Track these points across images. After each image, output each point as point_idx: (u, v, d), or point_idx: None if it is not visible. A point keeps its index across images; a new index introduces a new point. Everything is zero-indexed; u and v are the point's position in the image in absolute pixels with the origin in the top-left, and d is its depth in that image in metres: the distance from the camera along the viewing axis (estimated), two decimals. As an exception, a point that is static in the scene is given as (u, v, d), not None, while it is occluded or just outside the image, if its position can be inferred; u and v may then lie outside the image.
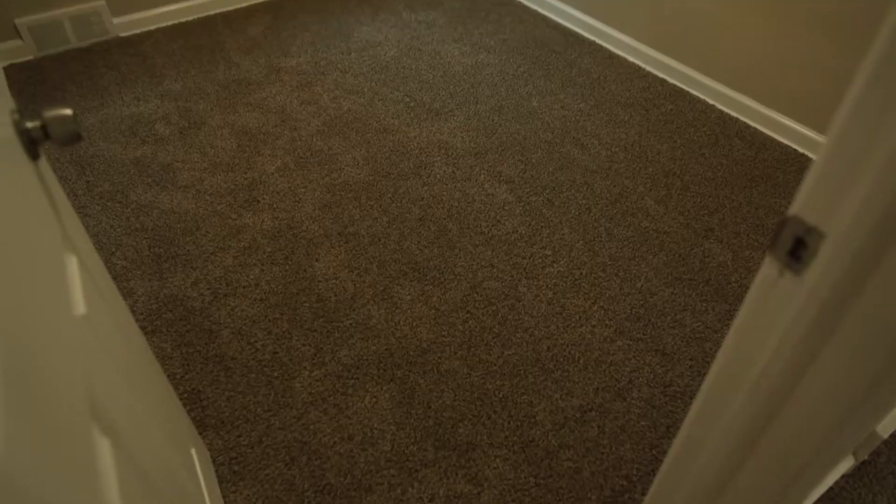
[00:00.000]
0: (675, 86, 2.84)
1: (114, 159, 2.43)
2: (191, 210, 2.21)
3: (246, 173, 2.37)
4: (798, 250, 0.60)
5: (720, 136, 2.55)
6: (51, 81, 2.89)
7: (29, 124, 0.77)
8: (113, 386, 0.74)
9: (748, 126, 2.60)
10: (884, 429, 1.40)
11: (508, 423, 1.62)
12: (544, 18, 3.36)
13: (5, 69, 2.97)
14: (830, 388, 0.65)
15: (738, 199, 2.25)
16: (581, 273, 1.99)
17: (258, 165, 2.40)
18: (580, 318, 1.86)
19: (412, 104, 2.72)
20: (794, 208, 0.60)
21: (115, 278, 1.98)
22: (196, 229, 2.14)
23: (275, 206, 2.23)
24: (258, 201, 2.25)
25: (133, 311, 1.87)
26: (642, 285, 1.96)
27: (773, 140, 2.52)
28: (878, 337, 0.58)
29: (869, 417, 0.67)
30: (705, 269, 2.01)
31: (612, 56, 3.05)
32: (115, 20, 3.20)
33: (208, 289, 1.94)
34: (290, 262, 2.03)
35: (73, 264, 0.78)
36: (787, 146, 2.49)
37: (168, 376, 1.71)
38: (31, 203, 0.68)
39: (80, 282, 0.77)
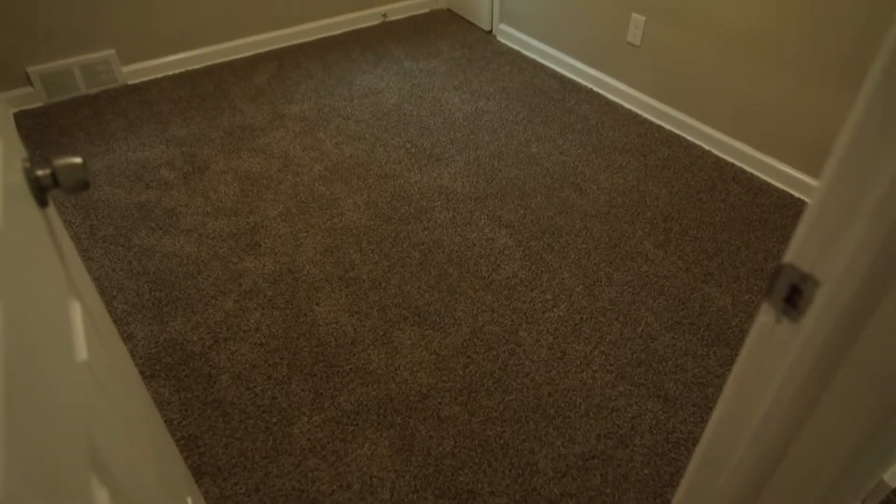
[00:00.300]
0: (671, 132, 2.89)
1: (118, 204, 2.46)
2: (193, 254, 2.23)
3: (248, 218, 2.39)
4: (794, 297, 0.61)
5: (717, 182, 2.58)
6: (59, 127, 2.95)
7: (39, 172, 0.78)
8: (112, 434, 0.74)
9: (744, 171, 2.63)
10: (892, 478, 1.38)
11: (509, 470, 1.59)
12: (542, 67, 3.44)
13: (16, 115, 3.03)
14: (832, 436, 0.65)
15: (736, 244, 2.27)
16: (581, 318, 1.99)
17: (260, 210, 2.43)
18: (581, 363, 1.85)
19: (413, 150, 2.77)
20: (789, 256, 0.61)
21: (115, 322, 1.98)
22: (197, 273, 2.15)
23: (276, 250, 2.24)
24: (260, 245, 2.26)
25: (132, 356, 1.87)
26: (643, 330, 1.95)
27: (769, 185, 2.55)
28: (877, 384, 0.58)
29: (875, 465, 0.67)
30: (705, 313, 2.01)
31: (609, 103, 3.11)
32: (124, 68, 3.28)
33: (208, 333, 1.94)
34: (290, 307, 2.03)
35: (76, 310, 0.78)
36: (783, 191, 2.52)
37: (165, 422, 1.69)
38: (39, 250, 0.69)
39: (82, 327, 0.77)
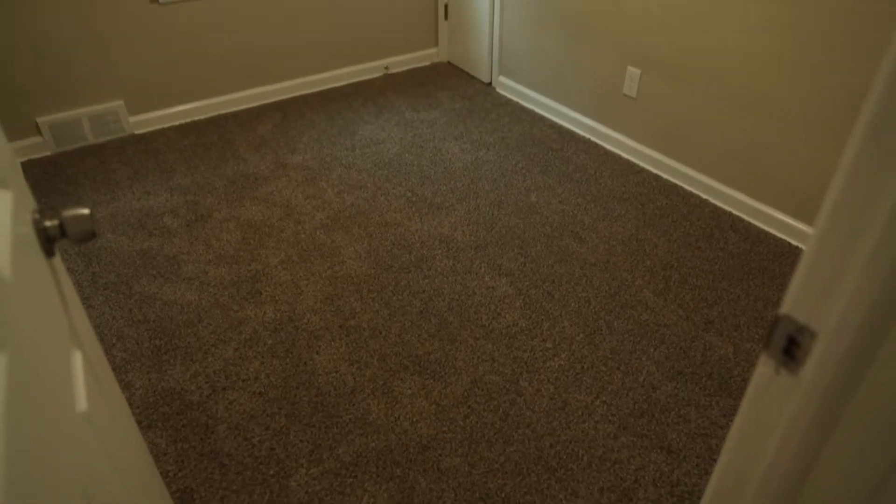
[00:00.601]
0: (668, 181, 2.93)
1: (121, 251, 2.48)
2: (193, 302, 2.23)
3: (250, 266, 2.40)
4: (792, 349, 0.61)
5: (715, 230, 2.60)
6: (66, 176, 2.99)
7: (47, 223, 0.80)
8: (107, 486, 0.73)
9: (741, 220, 2.66)
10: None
11: (511, 524, 1.56)
12: (541, 118, 3.52)
13: (24, 164, 3.08)
14: (837, 488, 0.64)
15: (736, 292, 2.27)
16: (582, 367, 1.98)
17: (262, 258, 2.44)
18: (583, 413, 1.83)
19: (414, 199, 2.80)
20: (785, 307, 0.61)
21: (114, 370, 1.97)
22: (198, 321, 2.15)
23: (277, 298, 2.25)
24: (261, 293, 2.27)
25: (130, 404, 1.85)
26: (644, 379, 1.94)
27: (767, 233, 2.58)
28: (881, 435, 0.58)
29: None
30: (707, 362, 2.00)
31: (606, 153, 3.17)
32: (132, 118, 3.35)
33: (207, 382, 1.93)
34: (290, 355, 2.02)
35: (77, 360, 0.79)
36: (781, 239, 2.54)
37: (161, 473, 1.66)
38: (44, 300, 0.70)
39: (83, 378, 0.77)
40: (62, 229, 0.81)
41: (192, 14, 3.28)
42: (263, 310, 2.20)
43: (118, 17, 3.09)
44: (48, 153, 3.19)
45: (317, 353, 2.03)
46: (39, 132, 3.14)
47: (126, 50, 3.18)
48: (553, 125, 3.44)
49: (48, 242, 0.81)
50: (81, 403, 0.72)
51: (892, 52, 0.48)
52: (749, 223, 2.64)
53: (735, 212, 2.71)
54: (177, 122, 3.49)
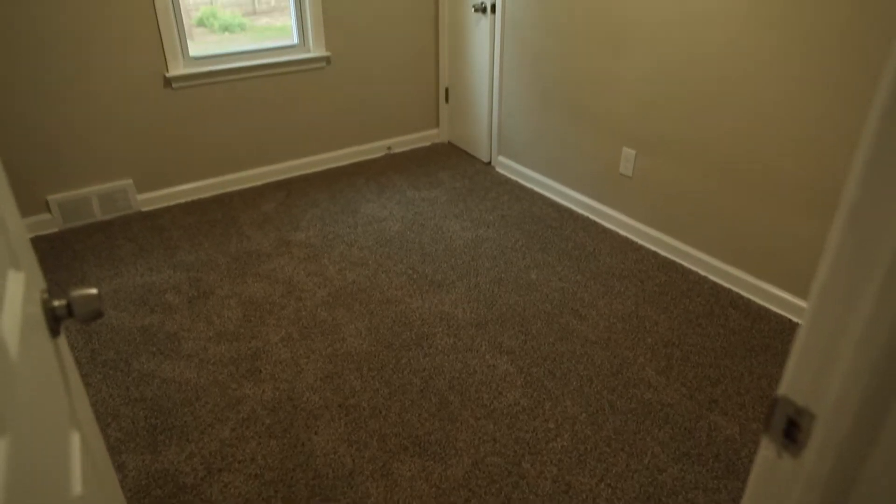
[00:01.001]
0: (666, 258, 2.96)
1: (121, 328, 2.48)
2: (192, 380, 2.21)
3: (250, 343, 2.40)
4: (793, 431, 0.61)
5: (715, 307, 2.61)
6: (72, 252, 3.03)
7: (56, 303, 0.81)
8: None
9: (741, 297, 2.67)
10: None
11: None
12: (540, 196, 3.59)
13: (31, 241, 3.12)
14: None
15: (739, 370, 2.25)
16: (585, 448, 1.94)
17: (262, 335, 2.44)
18: (587, 497, 1.78)
19: (415, 276, 2.82)
20: (783, 388, 0.62)
21: (108, 450, 1.92)
22: (196, 399, 2.12)
23: (276, 376, 2.23)
24: (260, 371, 2.25)
25: (122, 487, 1.80)
26: (649, 461, 1.89)
27: (767, 310, 2.58)
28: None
29: None
30: (713, 443, 1.96)
31: (605, 230, 3.22)
32: (140, 196, 3.43)
33: (202, 463, 1.88)
34: (288, 435, 1.98)
35: (76, 442, 0.78)
36: (782, 316, 2.54)
37: (150, 561, 1.60)
38: (48, 382, 0.70)
39: (80, 461, 0.76)
40: (69, 309, 0.82)
41: (202, 97, 3.42)
42: (262, 388, 2.17)
43: (133, 101, 3.22)
44: (55, 229, 3.24)
45: (315, 433, 1.99)
46: (49, 209, 3.20)
47: (139, 132, 3.30)
48: (552, 203, 3.51)
49: (55, 322, 0.82)
50: (77, 487, 0.72)
51: (864, 144, 0.51)
52: (749, 300, 2.65)
53: (735, 289, 2.72)
54: (183, 200, 3.57)
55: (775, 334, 2.44)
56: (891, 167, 0.49)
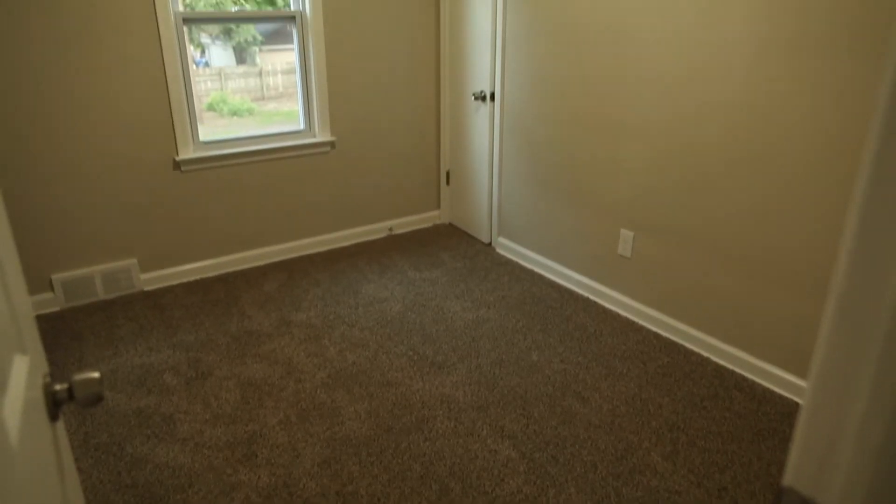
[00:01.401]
0: (668, 339, 2.95)
1: (116, 409, 2.44)
2: (186, 465, 2.15)
3: (247, 426, 2.35)
4: (800, 524, 0.60)
5: (719, 389, 2.57)
6: (72, 332, 3.02)
7: (57, 387, 0.81)
8: None
9: (745, 378, 2.64)
10: None
11: None
12: (540, 277, 3.62)
13: (30, 321, 3.12)
14: None
15: (747, 455, 2.20)
16: (592, 538, 1.86)
17: (260, 417, 2.40)
18: (594, 592, 1.69)
19: (416, 357, 2.80)
20: (788, 478, 0.61)
21: (94, 541, 1.85)
22: (188, 486, 2.06)
23: (273, 461, 2.17)
24: (256, 456, 2.20)
25: (106, 581, 1.72)
26: (659, 553, 1.82)
27: (773, 393, 2.54)
28: None
29: None
30: (724, 534, 1.88)
31: (605, 311, 3.22)
32: (143, 276, 3.46)
33: (192, 554, 1.81)
34: (282, 524, 1.91)
35: (67, 531, 0.76)
36: (788, 399, 2.50)
37: None
38: (44, 470, 0.69)
39: (70, 551, 0.74)
40: (70, 393, 0.82)
41: (210, 180, 3.51)
42: (258, 474, 2.11)
43: (142, 183, 3.31)
44: (57, 308, 3.25)
45: (311, 521, 1.92)
46: (52, 288, 3.22)
47: (145, 213, 3.37)
48: (552, 284, 3.53)
49: (55, 406, 0.82)
50: (65, 581, 0.69)
51: (848, 233, 0.53)
52: (753, 381, 2.62)
53: (738, 370, 2.69)
54: (186, 280, 3.59)
55: (782, 418, 2.40)
56: (874, 257, 0.51)
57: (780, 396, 2.53)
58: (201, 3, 3.49)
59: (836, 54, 2.12)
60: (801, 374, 2.48)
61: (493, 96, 3.75)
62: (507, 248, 3.93)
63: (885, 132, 0.51)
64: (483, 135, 3.89)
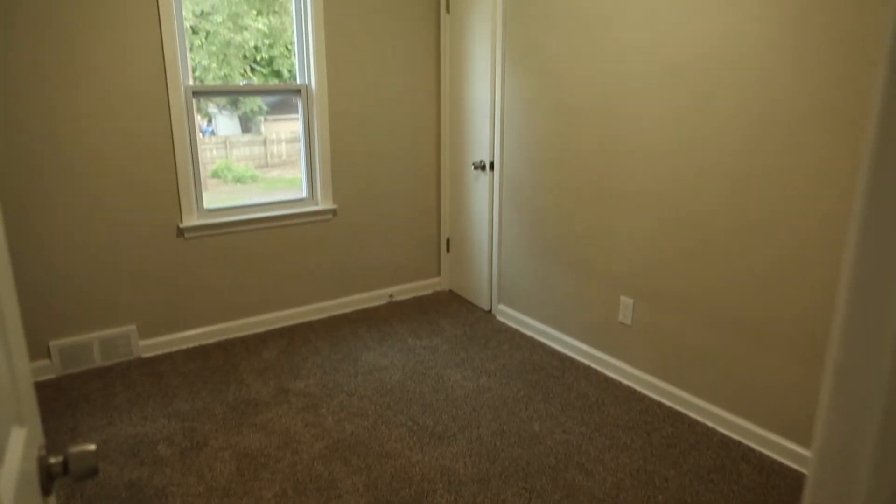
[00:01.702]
0: (671, 408, 2.90)
1: (107, 482, 2.37)
2: (176, 540, 2.08)
3: (241, 500, 2.29)
4: None
5: (726, 461, 2.51)
6: (67, 399, 2.98)
7: (52, 460, 0.80)
8: None
9: (752, 450, 2.58)
10: None
11: None
12: (540, 344, 3.60)
13: (25, 389, 3.08)
14: None
15: (757, 533, 2.12)
16: None
17: (255, 491, 2.33)
18: None
19: (415, 428, 2.75)
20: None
21: None
22: (178, 563, 1.98)
23: (266, 536, 2.10)
24: (249, 531, 2.12)
25: None
26: None
27: (781, 465, 2.48)
28: None
29: None
30: None
31: (607, 379, 3.18)
32: (142, 342, 3.44)
33: None
34: None
35: None
36: (797, 471, 2.44)
37: None
38: (35, 545, 0.68)
39: None
40: (65, 466, 0.81)
41: (212, 247, 3.55)
42: (250, 550, 2.04)
43: (145, 249, 3.34)
44: (53, 376, 3.21)
45: None
46: (49, 355, 3.20)
47: (146, 279, 3.38)
48: (553, 352, 3.51)
49: (48, 480, 0.81)
50: None
51: (841, 301, 0.54)
52: (761, 453, 2.56)
53: (745, 441, 2.64)
54: (185, 346, 3.57)
55: (792, 492, 2.33)
56: (868, 331, 0.52)
57: (788, 468, 2.47)
58: (210, 76, 3.62)
59: (832, 128, 2.19)
60: (808, 444, 2.43)
61: (492, 166, 3.84)
62: (508, 315, 3.92)
63: (863, 228, 0.53)
64: (483, 203, 3.96)
